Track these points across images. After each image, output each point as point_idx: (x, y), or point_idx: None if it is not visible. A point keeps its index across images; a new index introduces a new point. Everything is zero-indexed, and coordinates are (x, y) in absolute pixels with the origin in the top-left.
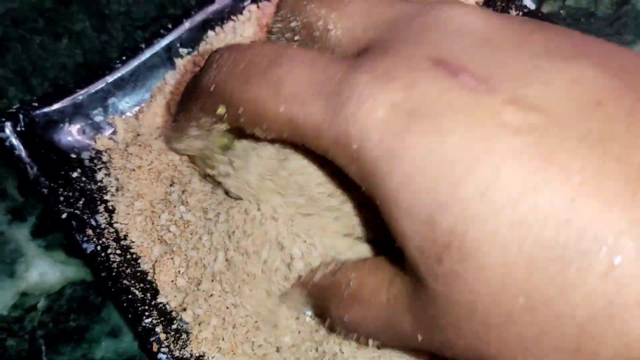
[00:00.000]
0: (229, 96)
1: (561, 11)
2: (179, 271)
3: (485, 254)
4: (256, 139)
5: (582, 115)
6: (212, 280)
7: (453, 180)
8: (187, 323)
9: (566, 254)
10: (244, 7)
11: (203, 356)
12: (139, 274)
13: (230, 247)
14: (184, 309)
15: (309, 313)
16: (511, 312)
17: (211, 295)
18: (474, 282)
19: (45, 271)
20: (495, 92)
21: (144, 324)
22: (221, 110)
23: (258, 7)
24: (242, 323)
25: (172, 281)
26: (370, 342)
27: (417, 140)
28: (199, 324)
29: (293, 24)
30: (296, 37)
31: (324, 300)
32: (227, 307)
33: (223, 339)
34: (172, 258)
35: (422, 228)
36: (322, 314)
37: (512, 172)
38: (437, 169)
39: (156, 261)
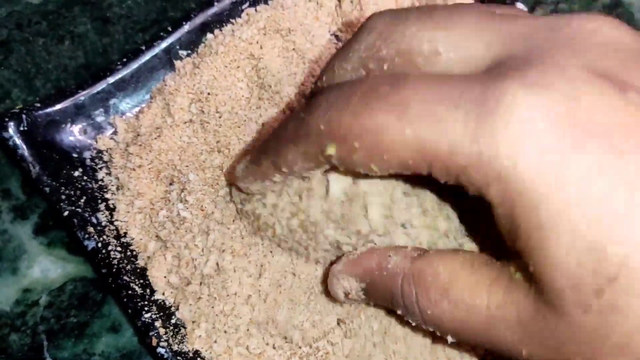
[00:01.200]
0: (344, 131)
1: (555, 12)
2: (172, 268)
3: None
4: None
5: None
6: (201, 284)
7: (631, 205)
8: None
9: None
10: (242, 10)
11: (200, 352)
12: (138, 270)
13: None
14: (178, 307)
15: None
16: None
17: (199, 298)
18: (637, 318)
19: (47, 268)
20: None
21: (143, 319)
22: (331, 150)
23: (256, 10)
24: (234, 330)
25: (165, 277)
26: (449, 339)
27: (587, 159)
28: (192, 322)
29: (384, 52)
30: (386, 66)
31: (400, 290)
32: (217, 315)
33: (216, 342)
34: (164, 254)
35: (585, 257)
36: (391, 305)
37: None
38: (611, 191)
39: (150, 257)
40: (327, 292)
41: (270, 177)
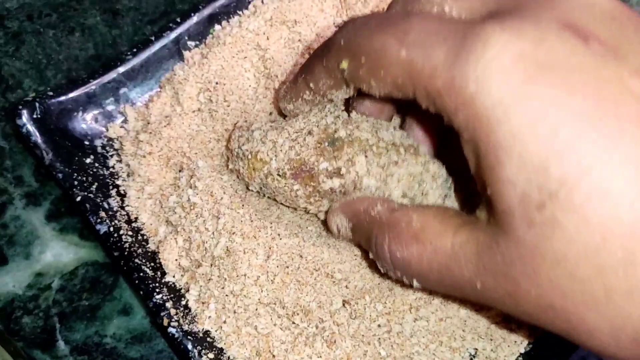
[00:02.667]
0: (355, 46)
1: None
2: (183, 251)
3: (594, 206)
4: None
5: None
6: (212, 265)
7: (575, 131)
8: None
9: None
10: (249, 2)
11: (210, 332)
12: (149, 253)
13: None
14: (188, 289)
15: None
16: (603, 266)
17: (210, 279)
18: (573, 232)
19: (59, 252)
20: (623, 62)
21: (154, 300)
22: (344, 64)
23: (262, 2)
24: (243, 310)
25: (176, 260)
26: (415, 282)
27: (543, 90)
28: (202, 304)
29: (409, 7)
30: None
31: (375, 234)
32: (227, 295)
33: (225, 322)
34: (175, 238)
35: (531, 175)
36: (366, 246)
37: (635, 136)
38: (558, 119)
39: (160, 241)
40: (332, 274)
41: (302, 94)
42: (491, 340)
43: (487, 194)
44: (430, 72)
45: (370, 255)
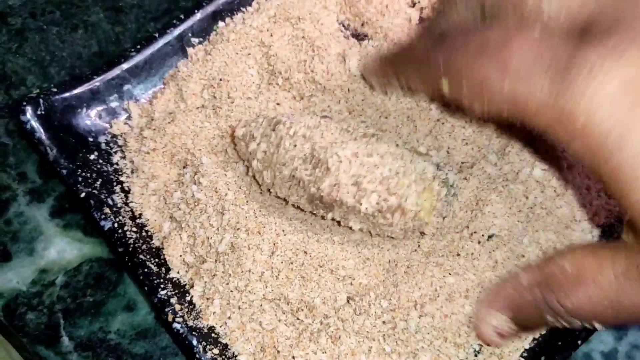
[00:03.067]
0: (456, 72)
1: None
2: (187, 248)
3: None
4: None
5: None
6: (216, 261)
7: None
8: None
9: None
10: None
11: (214, 328)
12: (153, 249)
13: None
14: (192, 285)
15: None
16: None
17: (214, 275)
18: None
19: (63, 249)
20: None
21: (159, 296)
22: (444, 84)
23: None
24: (247, 306)
25: (181, 256)
26: (597, 325)
27: None
28: (207, 299)
29: (489, 8)
30: (501, 14)
31: (543, 295)
32: (231, 291)
33: (230, 318)
34: (180, 234)
35: None
36: (536, 322)
37: None
38: None
39: (165, 237)
40: (337, 271)
41: (390, 80)
42: None
43: (627, 219)
44: (536, 106)
45: (551, 320)
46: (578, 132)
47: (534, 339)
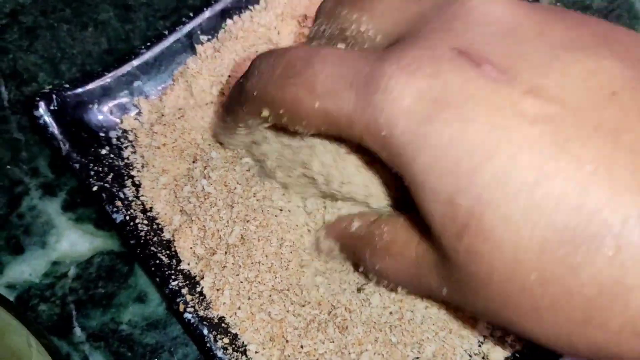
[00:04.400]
0: (270, 100)
1: (558, 3)
2: (198, 240)
3: (500, 234)
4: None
5: (597, 106)
6: (226, 253)
7: (472, 165)
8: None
9: (576, 237)
10: None
11: (224, 318)
12: (164, 242)
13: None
14: (203, 277)
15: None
16: (524, 286)
17: (224, 266)
18: (490, 258)
19: (75, 242)
20: (515, 83)
21: (170, 287)
22: (265, 113)
23: None
24: (257, 296)
25: (191, 248)
26: (399, 289)
27: (440, 128)
28: (217, 290)
29: (329, 31)
30: (333, 42)
31: (358, 249)
32: (241, 282)
33: (239, 308)
34: (190, 227)
35: (444, 208)
36: (356, 261)
37: (527, 160)
38: (457, 154)
39: (176, 229)
40: (347, 259)
41: (236, 131)
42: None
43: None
44: (346, 121)
45: (360, 269)
46: (383, 143)
47: None
